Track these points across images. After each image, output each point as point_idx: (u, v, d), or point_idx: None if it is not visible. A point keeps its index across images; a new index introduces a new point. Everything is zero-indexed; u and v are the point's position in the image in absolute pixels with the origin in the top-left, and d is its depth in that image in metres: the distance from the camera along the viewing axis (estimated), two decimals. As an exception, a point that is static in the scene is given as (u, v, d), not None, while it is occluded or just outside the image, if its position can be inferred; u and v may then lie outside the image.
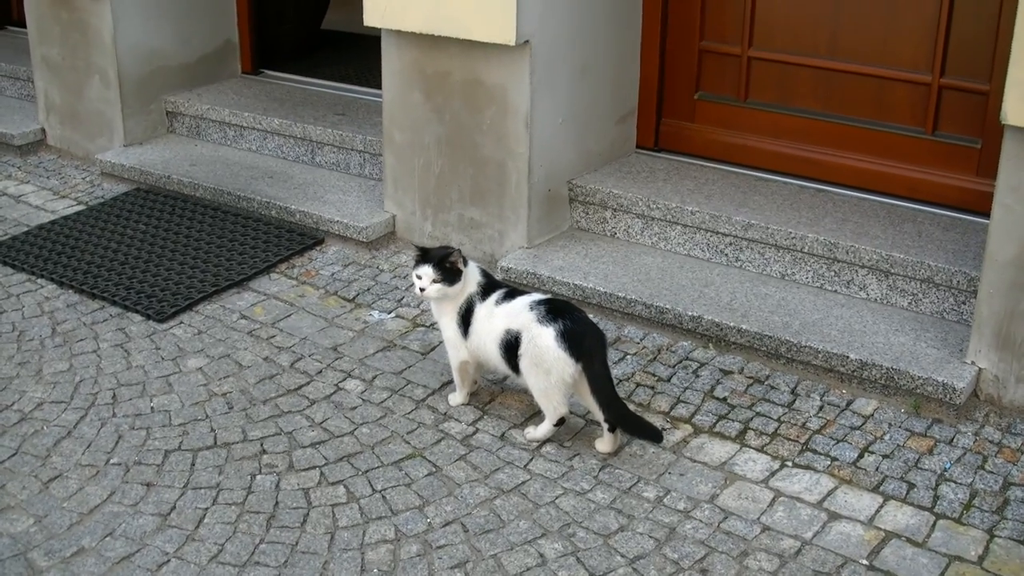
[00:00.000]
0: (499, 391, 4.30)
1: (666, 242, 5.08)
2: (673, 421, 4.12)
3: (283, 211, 5.70)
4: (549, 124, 5.03)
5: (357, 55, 7.44)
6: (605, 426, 3.88)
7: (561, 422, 3.91)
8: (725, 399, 4.24)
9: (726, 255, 4.93)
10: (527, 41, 4.80)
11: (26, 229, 5.88)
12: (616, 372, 4.38)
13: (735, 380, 4.33)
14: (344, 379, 4.44)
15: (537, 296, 3.90)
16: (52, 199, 6.31)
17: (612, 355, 4.51)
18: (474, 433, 4.09)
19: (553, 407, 3.87)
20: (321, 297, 5.10)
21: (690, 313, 4.55)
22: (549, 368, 3.76)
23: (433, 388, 4.35)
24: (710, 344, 4.54)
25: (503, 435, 4.08)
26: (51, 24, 6.73)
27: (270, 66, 7.12)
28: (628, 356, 4.51)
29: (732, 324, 4.47)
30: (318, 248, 5.55)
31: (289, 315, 4.95)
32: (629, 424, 3.85)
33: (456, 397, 4.21)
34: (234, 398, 4.34)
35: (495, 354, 3.90)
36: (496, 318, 3.90)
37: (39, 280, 5.34)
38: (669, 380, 4.35)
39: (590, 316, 4.11)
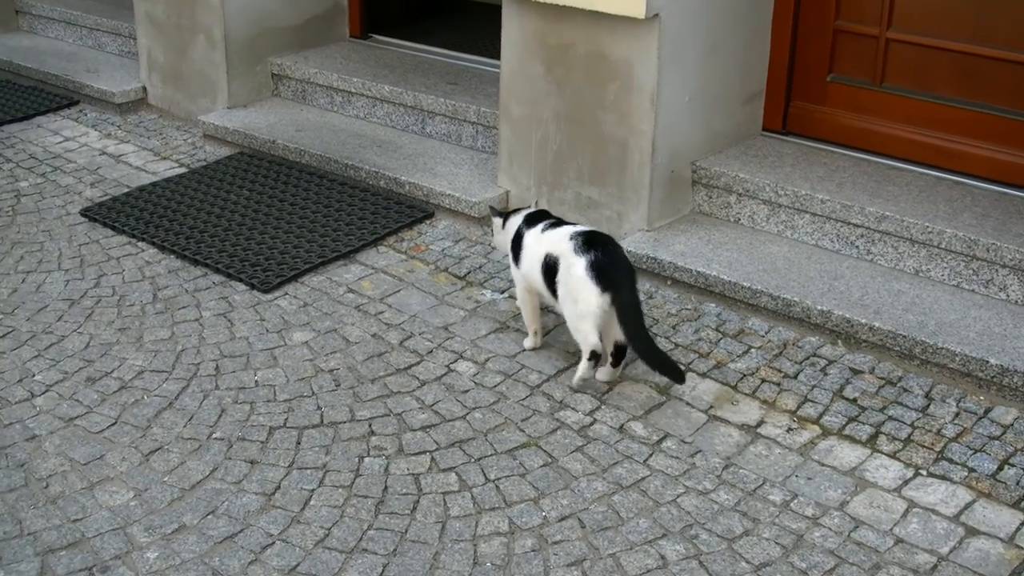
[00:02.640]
0: (617, 380, 4.23)
1: (793, 231, 4.97)
2: (800, 421, 4.03)
3: (392, 182, 5.67)
4: (675, 102, 4.94)
5: (470, 22, 7.39)
6: (610, 359, 4.13)
7: (594, 357, 4.07)
8: (855, 400, 4.13)
9: (857, 247, 4.81)
10: (657, 15, 4.71)
11: (127, 190, 5.92)
12: (740, 366, 4.30)
13: (865, 380, 4.22)
14: (456, 360, 4.41)
15: (579, 228, 4.16)
16: (153, 160, 6.35)
17: (736, 346, 4.43)
18: (591, 424, 4.03)
19: (584, 336, 4.06)
20: (431, 273, 5.06)
21: (819, 307, 4.45)
22: (577, 297, 3.99)
23: (548, 374, 4.29)
24: (839, 341, 4.43)
25: (622, 427, 4.01)
26: (158, -20, 6.78)
27: (379, 31, 7.09)
28: (752, 349, 4.42)
29: (863, 321, 4.36)
30: (428, 222, 5.52)
31: (398, 291, 4.93)
32: (654, 359, 3.96)
33: (528, 341, 4.43)
34: (341, 375, 4.32)
35: (538, 277, 4.17)
36: (541, 244, 4.19)
37: (140, 243, 5.38)
38: (796, 377, 4.25)
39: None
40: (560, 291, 4.07)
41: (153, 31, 6.89)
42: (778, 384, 4.22)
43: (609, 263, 3.97)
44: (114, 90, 6.93)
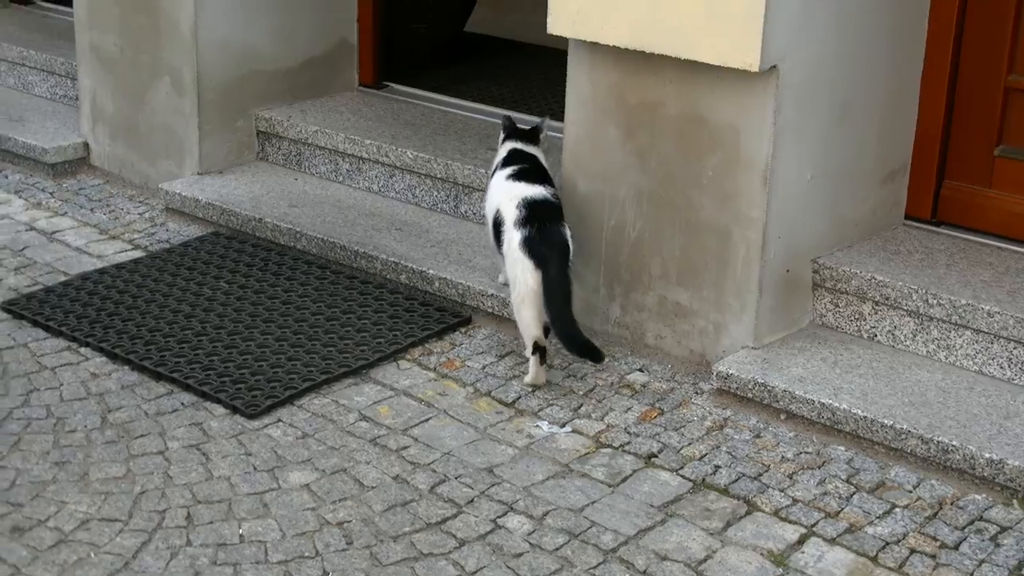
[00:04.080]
0: (719, 545, 4.33)
1: (949, 352, 5.10)
2: (963, 606, 4.12)
3: (417, 276, 5.84)
4: (794, 181, 5.10)
5: (519, 69, 7.61)
6: (535, 356, 5.11)
7: (537, 350, 5.11)
8: (1037, 580, 4.22)
9: (1035, 376, 4.94)
10: (774, 67, 4.89)
11: (64, 278, 6.09)
12: (881, 530, 4.40)
13: (1050, 554, 4.32)
14: (504, 513, 4.52)
15: (530, 194, 5.19)
16: (98, 239, 6.53)
17: (875, 504, 4.53)
18: (685, 602, 4.14)
19: (524, 325, 5.12)
20: (469, 398, 5.20)
21: (986, 455, 4.56)
22: (515, 270, 5.09)
23: (628, 535, 4.40)
24: (1015, 500, 4.53)
25: (726, 608, 4.11)
26: (107, 2, 7.00)
27: (398, 78, 7.33)
28: (897, 509, 4.52)
29: (1046, 474, 4.47)
30: (464, 330, 5.67)
31: (426, 419, 5.06)
32: (575, 343, 4.95)
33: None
34: (354, 530, 4.43)
35: (489, 229, 5.33)
36: (499, 190, 5.33)
37: (83, 349, 5.52)
38: (957, 548, 4.35)
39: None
40: (506, 258, 5.18)
41: (101, 70, 7.11)
42: (933, 557, 4.31)
43: (542, 239, 5.02)
44: (46, 146, 7.13)
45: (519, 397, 5.21)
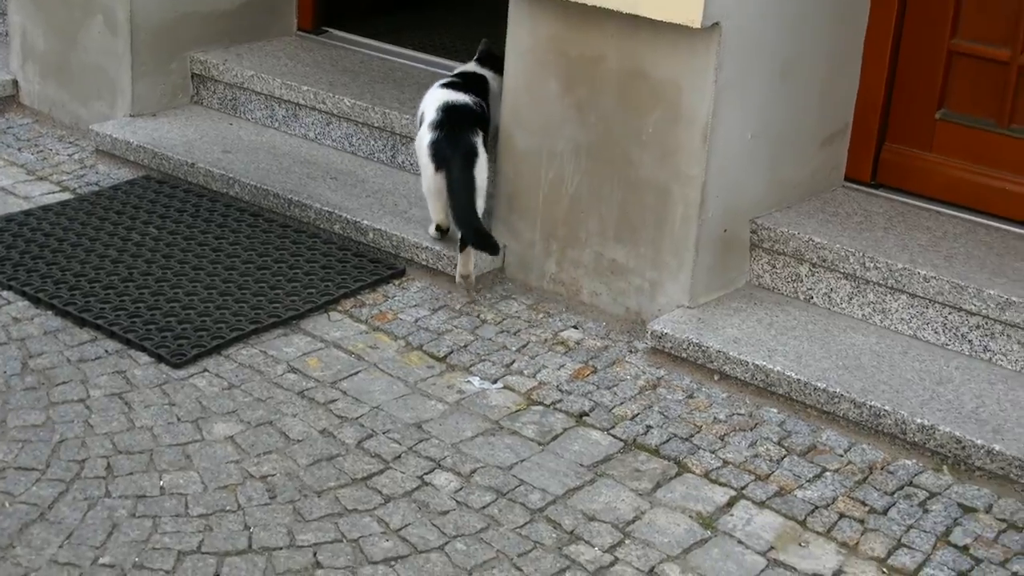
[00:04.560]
0: (648, 506, 4.28)
1: (884, 316, 5.05)
2: (892, 573, 4.07)
3: (351, 226, 5.75)
4: (735, 140, 5.03)
5: (461, 19, 7.50)
6: (462, 252, 5.38)
7: (439, 230, 5.55)
8: (967, 548, 4.18)
9: (970, 342, 4.89)
10: (717, 23, 4.81)
11: (-4, 219, 5.96)
12: (810, 494, 4.35)
13: (980, 522, 4.28)
14: (432, 470, 4.44)
15: (452, 99, 5.43)
16: (25, 180, 6.39)
17: (806, 468, 4.48)
18: (611, 564, 4.07)
19: (430, 207, 5.52)
20: (400, 351, 5.11)
21: (918, 420, 4.51)
22: (423, 169, 5.42)
23: (556, 494, 4.33)
24: (944, 467, 4.49)
25: (652, 570, 4.05)
26: (45, -59, 6.85)
27: (337, 24, 7.21)
28: (827, 473, 4.47)
29: (979, 442, 4.42)
30: (398, 282, 5.59)
31: (356, 372, 4.97)
32: (470, 230, 5.24)
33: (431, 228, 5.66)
34: (278, 484, 4.35)
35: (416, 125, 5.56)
36: (429, 96, 5.54)
37: (5, 293, 5.39)
38: (885, 513, 4.30)
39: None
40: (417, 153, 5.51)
41: (31, 6, 6.97)
42: (862, 521, 4.27)
43: (447, 143, 5.28)
44: (-32, 82, 6.99)
45: (451, 352, 5.12)
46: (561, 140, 5.29)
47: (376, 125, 6.23)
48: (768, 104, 5.13)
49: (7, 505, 4.20)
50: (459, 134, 5.33)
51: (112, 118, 6.71)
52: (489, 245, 5.29)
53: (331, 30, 7.20)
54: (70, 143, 6.80)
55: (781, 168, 5.30)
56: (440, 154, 5.31)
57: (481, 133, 5.41)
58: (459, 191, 5.27)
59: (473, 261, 5.41)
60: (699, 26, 4.76)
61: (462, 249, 5.36)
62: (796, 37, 5.15)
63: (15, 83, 7.11)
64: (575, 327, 5.30)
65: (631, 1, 4.89)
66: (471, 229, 5.23)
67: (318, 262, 5.65)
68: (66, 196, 6.23)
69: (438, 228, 5.55)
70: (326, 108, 6.37)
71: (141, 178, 6.39)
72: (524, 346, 5.16)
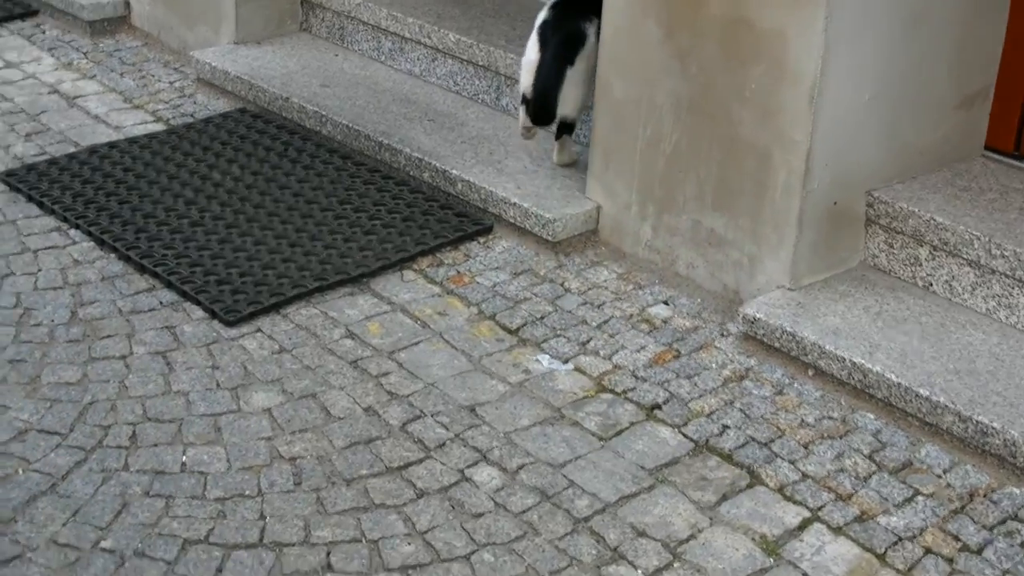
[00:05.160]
0: (707, 523, 3.78)
1: (1011, 312, 4.47)
2: (976, 622, 3.53)
3: (440, 176, 5.29)
4: (848, 100, 4.47)
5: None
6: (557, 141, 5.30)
7: (525, 101, 5.18)
8: (1069, 599, 3.62)
9: (1104, 348, 4.29)
10: (830, -32, 4.26)
11: (73, 150, 5.65)
12: (896, 522, 3.81)
13: (1090, 566, 3.71)
14: (475, 463, 4.01)
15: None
16: (121, 108, 6.08)
17: (896, 489, 3.93)
18: (656, 590, 3.60)
19: (521, 80, 5.21)
20: (471, 320, 4.67)
21: (1032, 440, 3.94)
22: (528, 49, 5.13)
23: (607, 502, 3.86)
24: (1057, 497, 3.92)
25: (700, 600, 3.57)
26: None
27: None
28: (919, 497, 3.92)
29: (1099, 469, 3.85)
30: (482, 239, 5.15)
31: (417, 342, 4.55)
32: (535, 103, 5.08)
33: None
34: (306, 467, 3.96)
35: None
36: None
37: (72, 232, 5.11)
38: (980, 552, 3.74)
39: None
40: None
41: (148, -78, 6.63)
42: (951, 561, 3.71)
43: (556, 26, 5.04)
44: (83, 1, 6.66)
45: (525, 324, 4.67)
46: (661, 91, 4.78)
47: (481, 64, 5.76)
48: (891, 59, 4.55)
49: (20, 472, 3.93)
50: (568, 21, 5.11)
51: (216, 44, 6.38)
52: (543, 114, 5.10)
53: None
54: (174, 69, 6.46)
55: (905, 133, 4.72)
56: (544, 35, 5.07)
57: (596, 22, 5.07)
58: (545, 72, 5.03)
59: (569, 152, 5.34)
60: (808, -27, 4.20)
61: (557, 137, 5.29)
62: (928, -15, 4.56)
63: (127, 3, 6.78)
64: (665, 303, 4.80)
65: (736, -55, 4.34)
66: (537, 102, 5.06)
67: (401, 213, 5.21)
68: (158, 127, 5.92)
69: (524, 99, 5.18)
70: (431, 43, 5.92)
71: (236, 111, 6.01)
72: (606, 322, 4.67)
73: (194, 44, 6.43)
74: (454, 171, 5.26)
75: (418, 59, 6.04)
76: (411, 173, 5.41)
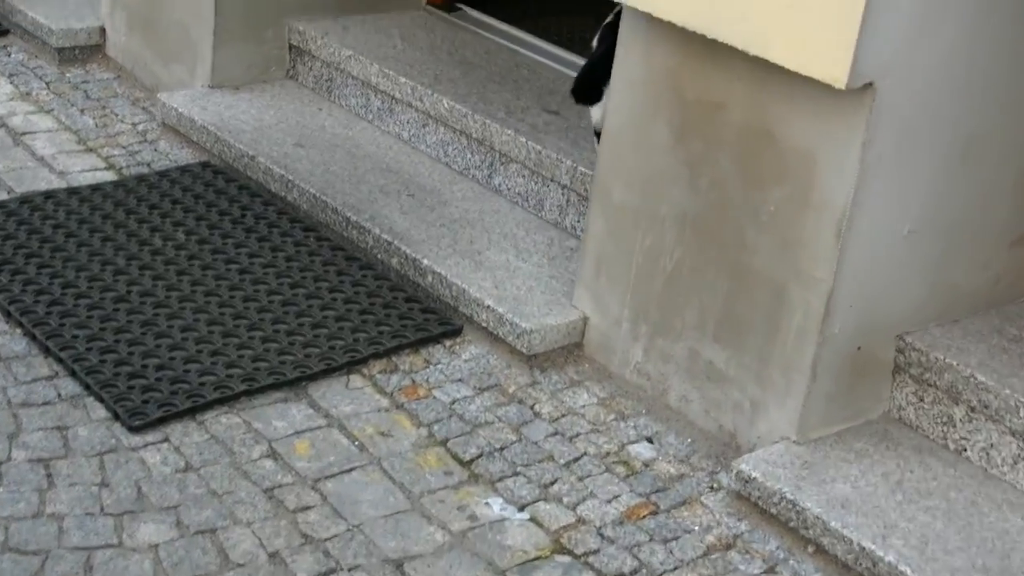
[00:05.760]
0: None
1: (1057, 494, 3.69)
2: None
3: (409, 264, 4.57)
4: (883, 234, 3.73)
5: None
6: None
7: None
8: None
9: None
10: (870, 84, 3.49)
11: (3, 197, 4.94)
12: None
13: None
14: (384, 648, 3.24)
15: None
16: (72, 150, 5.41)
17: None
18: None
19: None
20: (418, 445, 3.92)
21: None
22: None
23: None
24: None
25: None
26: None
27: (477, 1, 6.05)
28: None
29: None
30: (448, 343, 4.42)
31: (350, 469, 3.81)
32: (578, 84, 4.53)
33: None
34: (182, 634, 3.20)
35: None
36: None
37: (-17, 298, 4.39)
38: None
39: None
40: None
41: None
42: None
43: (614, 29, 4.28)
44: (52, 26, 5.99)
45: (480, 455, 3.92)
46: (665, 202, 4.04)
47: (474, 136, 5.02)
48: (938, 189, 3.80)
49: None
50: None
51: (189, 87, 5.63)
52: (583, 88, 4.51)
53: (465, 8, 5.98)
54: (142, 109, 5.75)
55: (951, 272, 3.98)
56: (604, 34, 4.44)
57: None
58: (604, 50, 4.35)
59: None
60: (844, 87, 3.44)
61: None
62: (983, 104, 3.81)
63: (102, 31, 6.08)
64: (650, 440, 4.04)
65: (760, 39, 3.60)
66: (585, 67, 4.54)
67: (359, 304, 4.47)
68: (107, 176, 5.22)
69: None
70: (422, 107, 5.19)
71: (198, 164, 5.29)
72: (576, 460, 3.92)
73: (168, 84, 5.72)
74: (425, 260, 4.51)
75: (408, 123, 5.30)
76: (379, 256, 4.68)
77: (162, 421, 3.89)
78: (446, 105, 5.10)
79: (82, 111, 5.67)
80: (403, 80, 5.24)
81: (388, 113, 5.37)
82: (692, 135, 3.95)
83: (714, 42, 3.74)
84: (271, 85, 5.68)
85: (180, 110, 5.40)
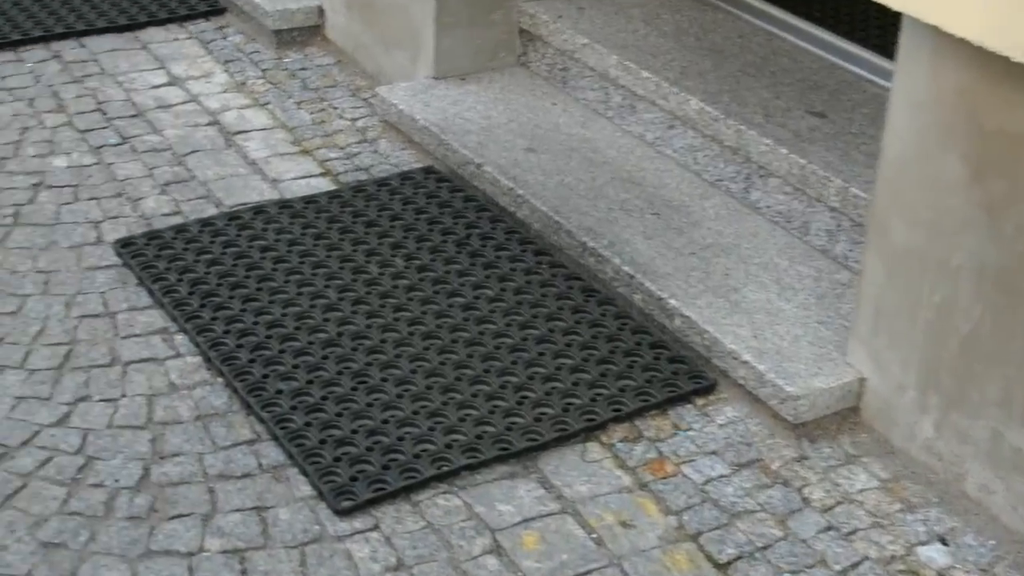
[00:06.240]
0: None
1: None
2: None
3: (653, 303, 3.94)
4: None
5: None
6: None
7: None
8: None
9: None
10: None
11: (211, 212, 4.53)
12: None
13: None
14: None
15: None
16: (286, 152, 4.94)
17: None
18: None
19: None
20: (666, 540, 3.32)
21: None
22: None
23: None
24: None
25: None
26: None
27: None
28: None
29: None
30: (701, 402, 3.77)
31: (585, 573, 3.20)
32: None
33: None
34: None
35: None
36: None
37: (178, 337, 3.96)
38: None
39: None
40: None
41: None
42: None
43: None
44: (267, 7, 5.47)
45: (739, 557, 3.28)
46: (960, 250, 3.34)
47: (727, 144, 4.35)
48: None
49: None
50: None
51: (412, 76, 5.09)
52: None
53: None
54: (363, 101, 5.23)
55: None
56: None
57: None
58: None
59: None
60: None
61: None
62: None
63: (320, 11, 5.55)
64: (943, 541, 3.36)
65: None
66: None
67: (598, 351, 3.87)
68: (322, 184, 4.71)
69: None
70: (668, 106, 4.54)
71: (421, 170, 4.73)
72: (855, 566, 3.27)
73: (389, 71, 5.17)
74: (672, 300, 3.88)
75: (652, 123, 4.65)
76: (619, 290, 4.06)
77: (372, 503, 3.35)
78: (695, 106, 4.42)
79: (299, 104, 5.15)
80: (645, 75, 4.58)
81: (629, 111, 4.72)
82: (992, 173, 3.22)
83: (1019, 65, 3.02)
84: (500, 74, 5.07)
85: (400, 107, 4.83)
